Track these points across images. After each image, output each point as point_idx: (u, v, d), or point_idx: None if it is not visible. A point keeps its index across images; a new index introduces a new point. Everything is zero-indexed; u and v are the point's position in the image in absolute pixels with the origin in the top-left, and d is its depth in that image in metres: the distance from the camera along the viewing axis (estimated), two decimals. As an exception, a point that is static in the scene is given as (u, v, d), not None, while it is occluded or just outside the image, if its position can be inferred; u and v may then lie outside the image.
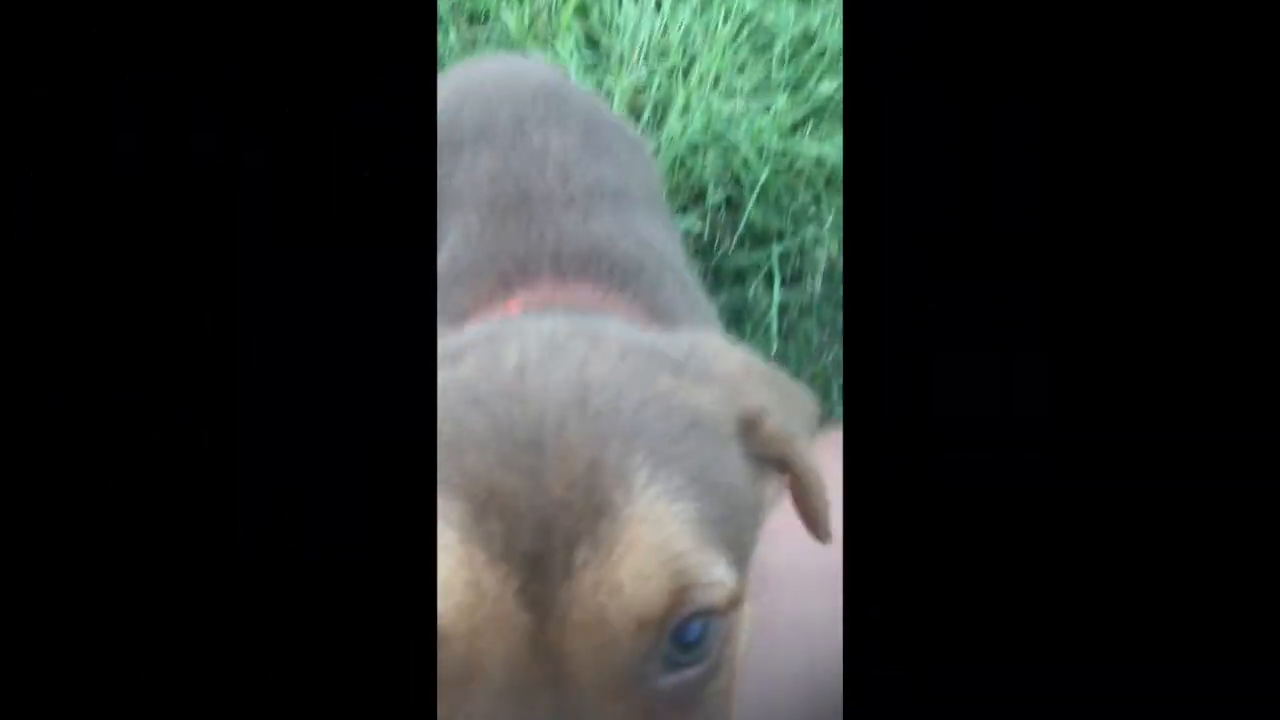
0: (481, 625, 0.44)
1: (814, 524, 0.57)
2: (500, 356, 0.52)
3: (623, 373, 0.50)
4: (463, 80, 1.12)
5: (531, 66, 1.20)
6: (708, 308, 0.90)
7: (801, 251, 1.51)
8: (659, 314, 0.79)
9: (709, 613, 0.45)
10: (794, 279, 1.50)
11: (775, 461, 0.56)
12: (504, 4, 1.75)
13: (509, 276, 0.79)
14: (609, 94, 1.61)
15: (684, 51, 1.64)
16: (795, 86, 1.67)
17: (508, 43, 1.70)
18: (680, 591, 0.43)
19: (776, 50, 1.68)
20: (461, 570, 0.46)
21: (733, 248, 1.51)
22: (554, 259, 0.79)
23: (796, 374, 1.44)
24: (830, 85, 1.63)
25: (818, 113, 1.63)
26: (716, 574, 0.44)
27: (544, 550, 0.43)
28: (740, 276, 1.50)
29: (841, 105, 1.53)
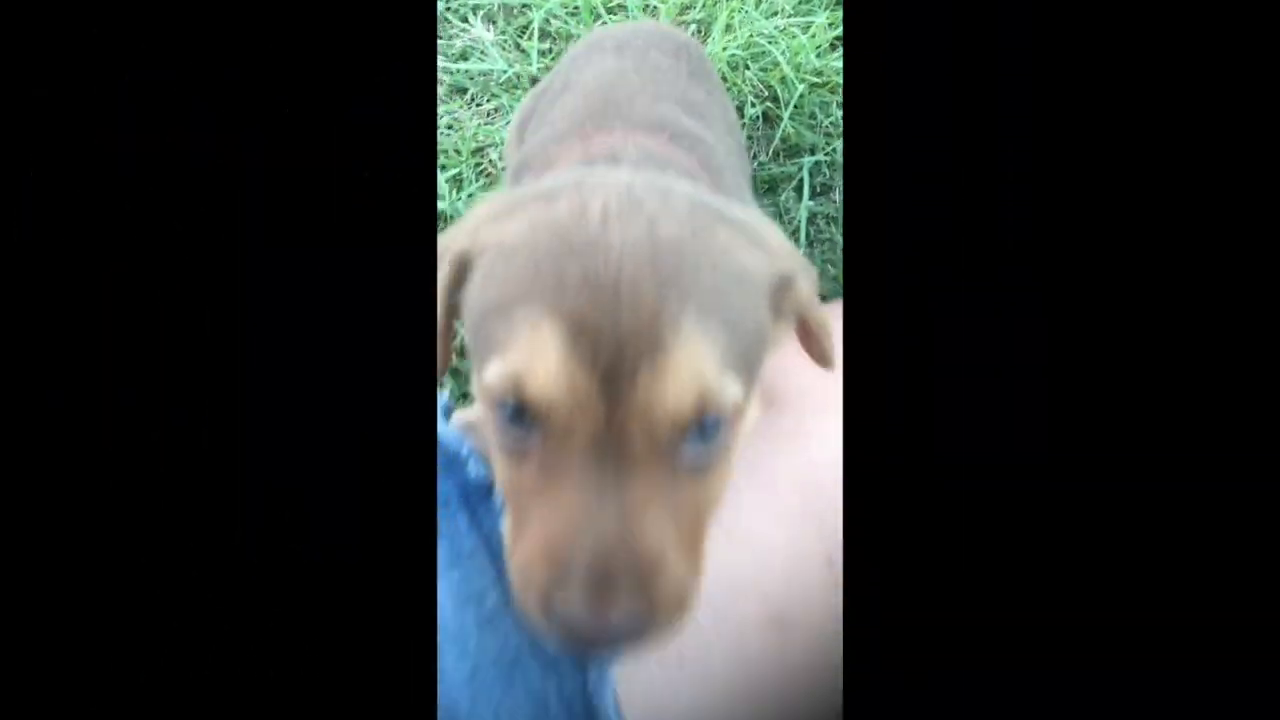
0: (575, 405, 0.59)
1: (822, 360, 0.74)
2: (588, 206, 0.63)
3: (688, 231, 0.63)
4: (615, 28, 1.30)
5: (671, 28, 1.36)
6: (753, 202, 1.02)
7: (831, 165, 1.63)
8: (714, 174, 0.92)
9: (720, 415, 0.61)
10: (823, 190, 1.63)
11: (792, 314, 0.71)
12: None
13: (587, 131, 0.93)
14: (655, 12, 1.74)
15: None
16: (832, 7, 1.79)
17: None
18: (703, 402, 0.59)
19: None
20: (564, 370, 0.59)
21: (768, 159, 1.63)
22: (626, 118, 0.94)
23: (821, 273, 1.58)
24: (864, 7, 1.78)
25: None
26: (730, 391, 0.60)
27: (618, 366, 0.58)
28: (773, 186, 1.63)
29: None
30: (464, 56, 1.91)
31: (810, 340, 0.74)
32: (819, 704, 0.74)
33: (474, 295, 0.68)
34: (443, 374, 0.81)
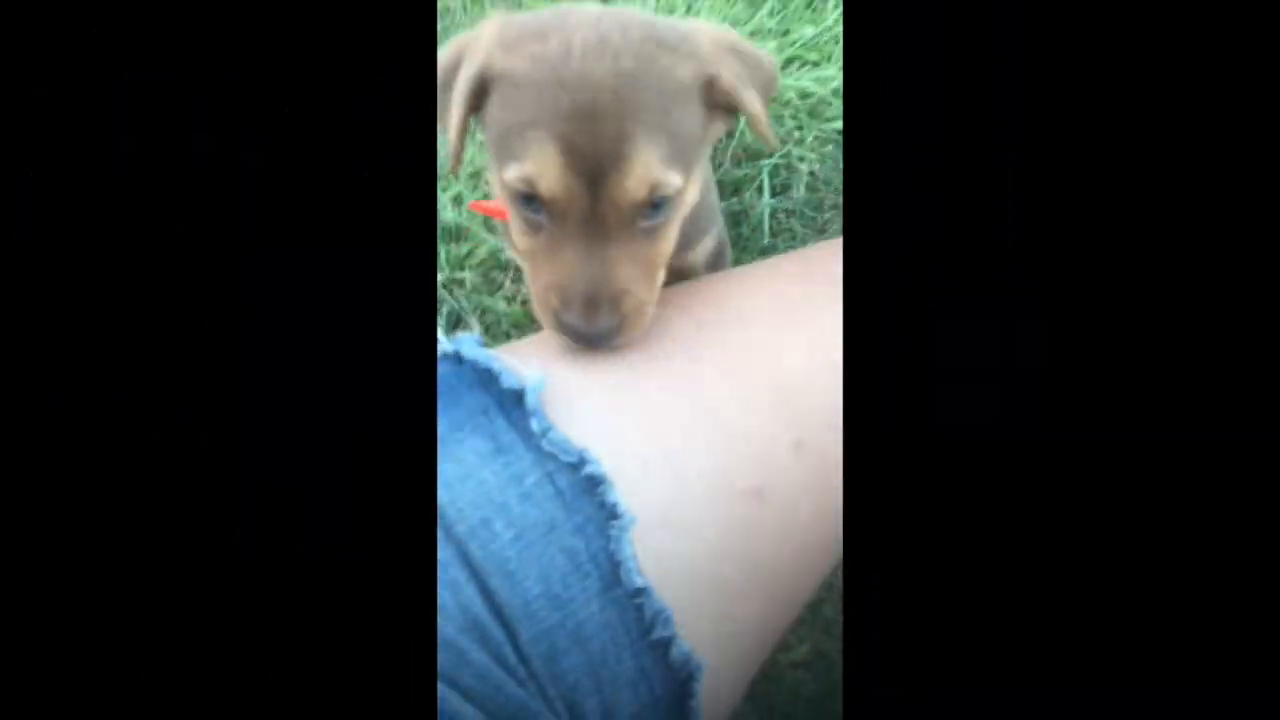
0: (569, 198, 0.85)
1: (765, 140, 0.98)
2: (570, 44, 0.85)
3: (639, 63, 0.85)
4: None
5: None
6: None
7: (788, 166, 1.83)
8: None
9: (666, 196, 0.86)
10: (782, 189, 1.82)
11: (723, 105, 0.91)
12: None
13: None
14: None
15: (688, 7, 1.93)
16: (783, 33, 1.96)
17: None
18: (652, 190, 0.85)
19: (766, 6, 1.97)
20: (561, 176, 0.84)
21: (730, 165, 1.83)
22: None
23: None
24: (810, 30, 1.96)
25: (801, 54, 1.96)
26: (672, 180, 0.85)
27: (595, 169, 0.83)
28: (737, 188, 1.83)
29: (820, 43, 1.90)
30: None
31: (751, 124, 0.96)
32: (799, 572, 0.92)
33: (494, 114, 0.89)
34: (455, 166, 0.97)
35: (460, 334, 0.95)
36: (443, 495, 0.81)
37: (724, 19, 1.89)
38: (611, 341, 0.91)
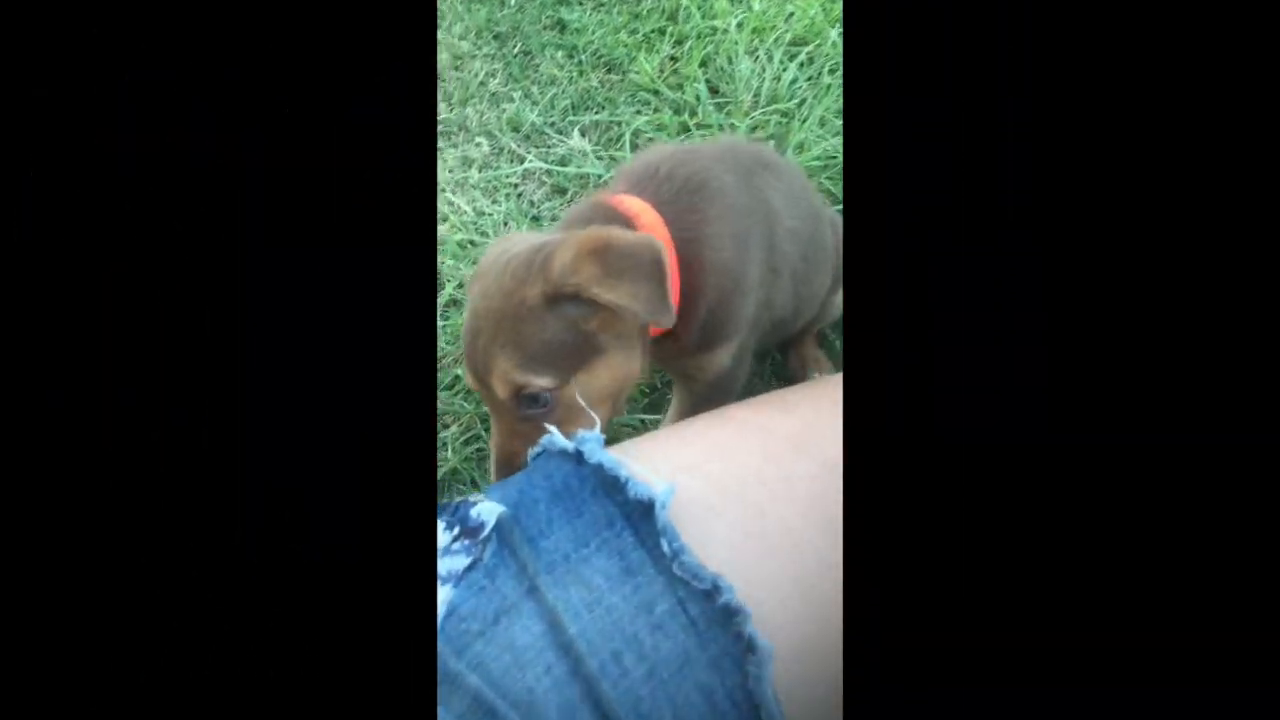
0: (479, 389, 1.11)
1: (647, 320, 1.07)
2: (477, 287, 1.12)
3: (501, 296, 1.06)
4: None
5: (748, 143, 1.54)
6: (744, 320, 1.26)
7: None
8: (694, 240, 1.18)
9: (537, 391, 1.06)
10: None
11: (581, 293, 1.02)
12: (638, 55, 2.09)
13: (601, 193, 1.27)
14: (735, 130, 1.95)
15: (791, 98, 1.98)
16: None
17: (642, 89, 2.06)
18: (514, 387, 1.06)
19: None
20: (469, 377, 1.11)
21: None
22: (633, 181, 1.23)
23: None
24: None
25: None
26: (535, 380, 1.05)
27: (481, 373, 1.08)
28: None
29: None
30: (564, 162, 1.95)
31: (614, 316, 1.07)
32: None
33: None
34: None
35: (582, 432, 0.95)
36: (572, 627, 0.80)
37: (829, 111, 1.96)
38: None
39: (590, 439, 0.93)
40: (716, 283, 1.18)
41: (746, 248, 1.21)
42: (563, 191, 1.91)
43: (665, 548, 0.84)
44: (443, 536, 0.88)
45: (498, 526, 0.87)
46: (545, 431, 0.98)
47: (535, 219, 1.87)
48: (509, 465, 1.09)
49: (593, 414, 1.09)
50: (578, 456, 0.93)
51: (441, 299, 1.73)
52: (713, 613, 0.81)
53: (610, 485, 0.89)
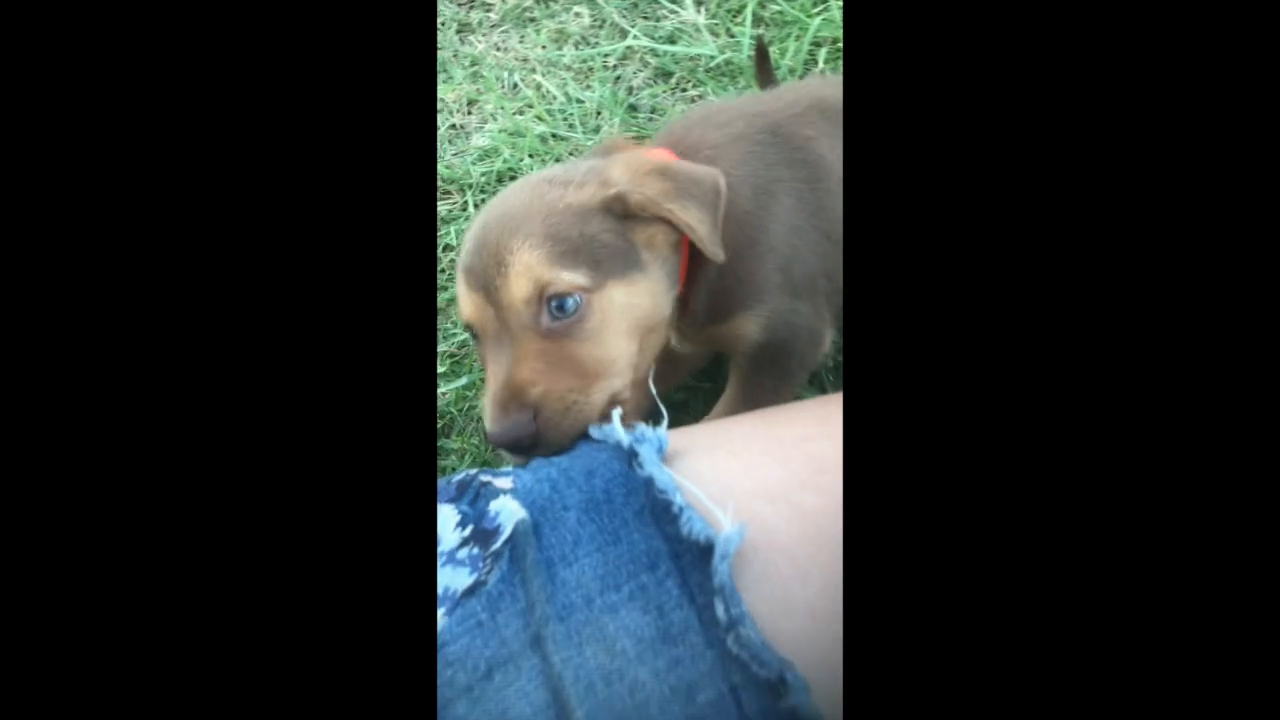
0: (476, 310, 0.97)
1: (706, 251, 0.96)
2: (490, 205, 1.02)
3: (524, 200, 0.98)
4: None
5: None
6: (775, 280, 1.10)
7: None
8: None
9: (563, 294, 0.93)
10: None
11: (643, 215, 0.97)
12: None
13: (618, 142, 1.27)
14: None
15: None
16: None
17: None
18: (540, 287, 0.93)
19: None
20: (465, 292, 0.98)
21: None
22: (665, 138, 1.16)
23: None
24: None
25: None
26: (564, 278, 0.93)
27: (489, 283, 0.95)
28: None
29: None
30: (672, 40, 1.74)
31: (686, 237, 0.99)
32: None
33: None
34: None
35: (644, 427, 0.83)
36: (581, 708, 0.66)
37: None
38: (538, 443, 0.91)
39: (650, 439, 0.82)
40: (737, 234, 1.04)
41: (771, 198, 1.08)
42: (667, 76, 1.72)
43: (721, 612, 0.69)
44: (449, 533, 0.77)
45: (513, 539, 0.75)
46: (569, 359, 0.93)
47: (632, 109, 1.67)
48: (516, 401, 0.91)
49: (622, 342, 0.98)
50: (630, 455, 0.81)
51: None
52: (777, 716, 0.66)
53: (661, 511, 0.76)
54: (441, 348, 1.45)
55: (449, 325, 1.48)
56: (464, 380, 1.41)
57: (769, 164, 1.09)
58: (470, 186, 1.61)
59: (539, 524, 0.76)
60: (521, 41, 1.82)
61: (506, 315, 0.94)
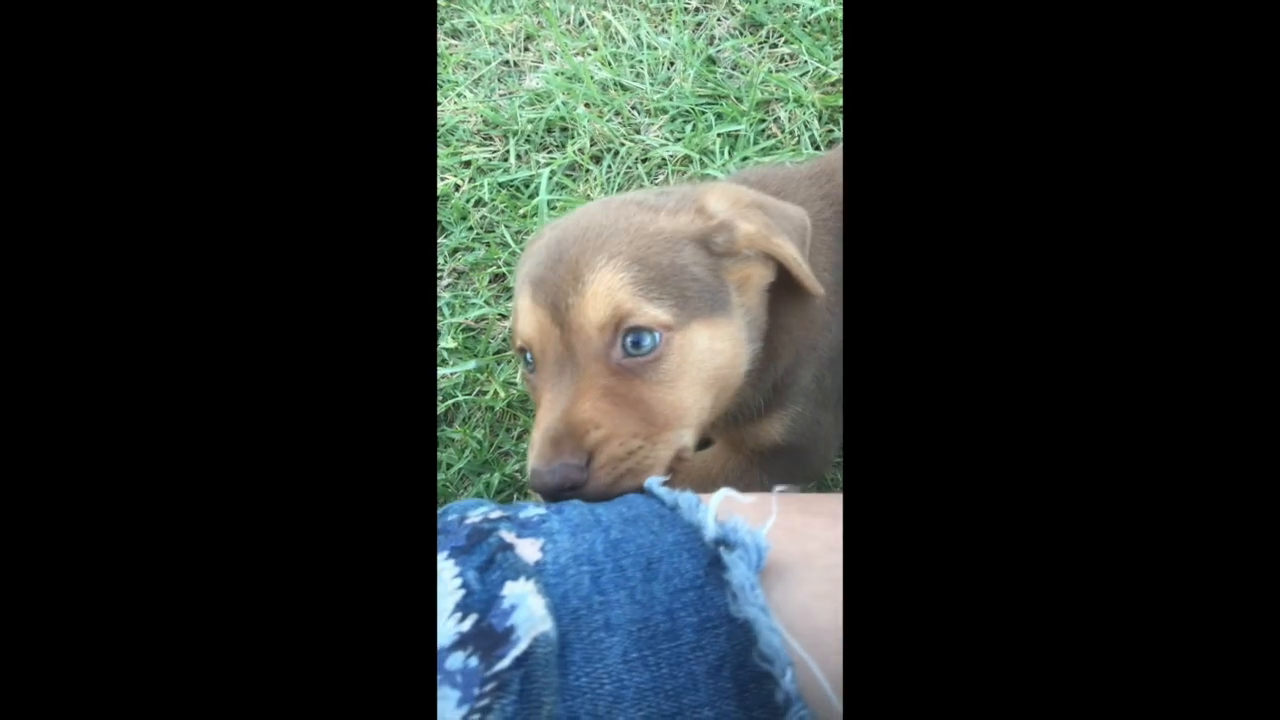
0: (539, 331, 0.85)
1: (807, 286, 0.90)
2: (570, 219, 0.92)
3: (609, 218, 0.88)
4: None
5: None
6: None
7: None
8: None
9: (643, 329, 0.83)
10: None
11: (741, 252, 0.89)
12: None
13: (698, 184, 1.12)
14: None
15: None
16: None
17: None
18: (617, 314, 0.82)
19: None
20: (529, 312, 0.85)
21: None
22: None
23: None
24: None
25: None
26: (647, 311, 0.82)
27: (560, 300, 0.84)
28: None
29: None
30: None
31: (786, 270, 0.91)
32: None
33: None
34: None
35: (738, 520, 0.66)
36: None
37: None
38: (584, 489, 0.79)
39: (747, 543, 0.63)
40: (800, 331, 0.98)
41: (833, 305, 1.00)
42: (756, 27, 1.50)
43: None
44: (444, 615, 0.60)
45: (528, 660, 0.58)
46: (637, 403, 0.83)
47: (711, 62, 1.46)
48: (572, 440, 0.79)
49: (698, 391, 0.87)
50: (713, 560, 0.63)
51: (555, 166, 1.38)
52: None
53: (752, 683, 0.60)
54: (457, 319, 1.27)
55: (469, 292, 1.30)
56: (473, 364, 1.23)
57: (836, 264, 1.02)
58: (515, 134, 1.41)
59: (568, 642, 0.60)
60: (596, -30, 1.60)
61: (574, 340, 0.84)
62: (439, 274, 1.32)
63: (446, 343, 1.26)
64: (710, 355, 0.87)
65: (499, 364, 1.24)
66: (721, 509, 0.66)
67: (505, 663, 0.57)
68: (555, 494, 0.79)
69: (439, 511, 0.71)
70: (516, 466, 1.18)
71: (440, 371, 1.24)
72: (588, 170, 1.38)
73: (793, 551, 0.65)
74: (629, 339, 0.83)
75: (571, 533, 0.66)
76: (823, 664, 0.60)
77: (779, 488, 0.74)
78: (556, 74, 1.47)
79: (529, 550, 0.64)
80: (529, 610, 0.59)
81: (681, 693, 0.59)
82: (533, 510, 0.70)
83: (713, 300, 0.87)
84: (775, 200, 0.95)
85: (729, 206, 0.89)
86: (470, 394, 1.23)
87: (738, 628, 0.59)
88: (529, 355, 0.88)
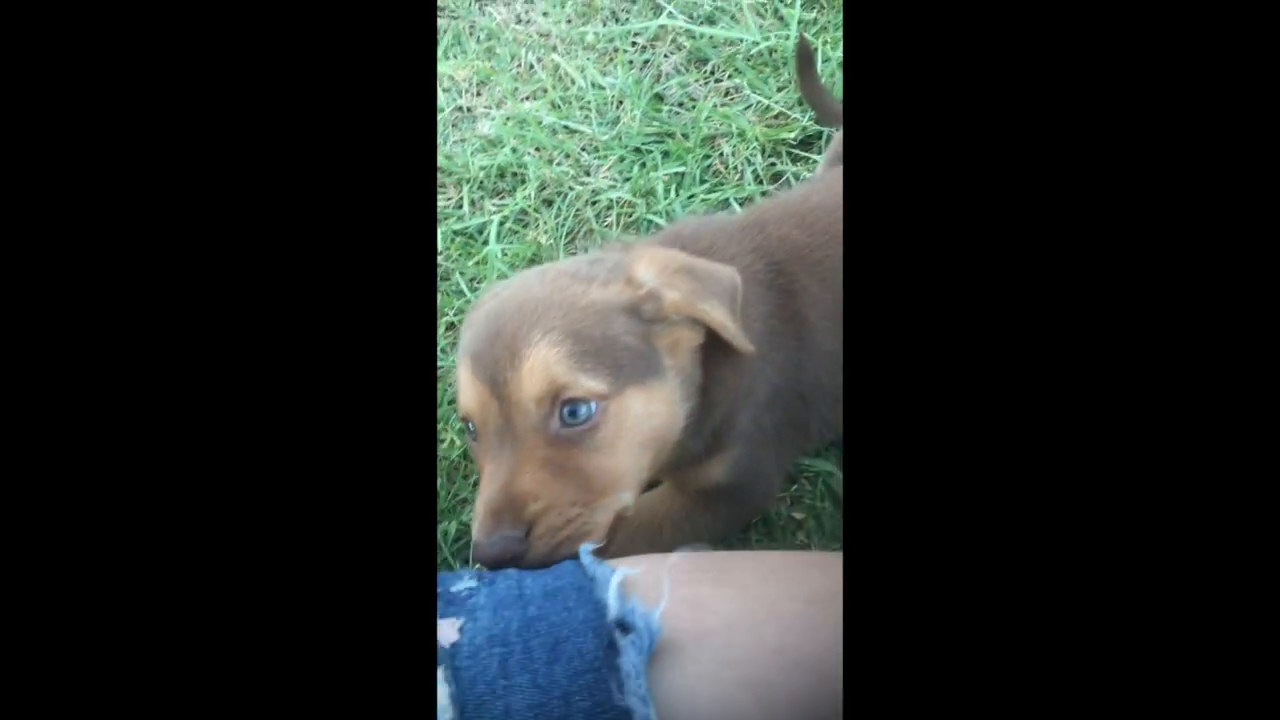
0: (479, 403, 0.88)
1: (736, 345, 0.93)
2: (505, 291, 0.95)
3: (544, 291, 0.91)
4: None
5: None
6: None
7: None
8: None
9: (579, 400, 0.86)
10: None
11: (670, 318, 0.92)
12: None
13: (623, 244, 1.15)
14: None
15: None
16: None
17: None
18: (553, 387, 0.85)
19: None
20: (469, 386, 0.88)
21: None
22: (669, 238, 1.11)
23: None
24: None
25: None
26: (583, 382, 0.86)
27: (498, 375, 0.86)
28: None
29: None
30: (712, 20, 1.55)
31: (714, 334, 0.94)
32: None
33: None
34: None
35: (637, 602, 0.71)
36: None
37: None
38: (524, 559, 0.83)
39: (641, 628, 0.68)
40: (733, 381, 1.00)
41: (769, 349, 1.04)
42: (702, 62, 1.54)
43: None
44: None
45: None
46: (575, 471, 0.86)
47: (658, 99, 1.50)
48: (511, 513, 0.83)
49: (634, 454, 0.91)
50: (608, 645, 0.68)
51: (506, 212, 1.43)
52: None
53: None
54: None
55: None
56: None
57: (767, 314, 1.05)
58: (468, 181, 1.46)
59: (467, 703, 0.65)
60: (545, 15, 1.64)
61: (512, 412, 0.86)
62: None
63: (406, 391, 1.30)
64: (646, 419, 0.91)
65: (453, 413, 1.29)
66: (627, 583, 0.71)
67: None
68: (496, 565, 0.82)
69: None
70: (471, 514, 1.23)
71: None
72: (538, 213, 1.42)
73: (690, 630, 0.70)
74: (565, 410, 0.86)
75: (493, 610, 0.71)
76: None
77: (679, 552, 0.79)
78: (506, 119, 1.51)
79: (448, 632, 0.69)
80: (440, 693, 0.65)
81: None
82: (465, 583, 0.75)
83: (645, 366, 0.90)
84: (704, 263, 0.97)
85: (657, 274, 0.92)
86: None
87: (620, 714, 0.64)
88: (470, 426, 0.91)
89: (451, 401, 1.30)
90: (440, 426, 1.28)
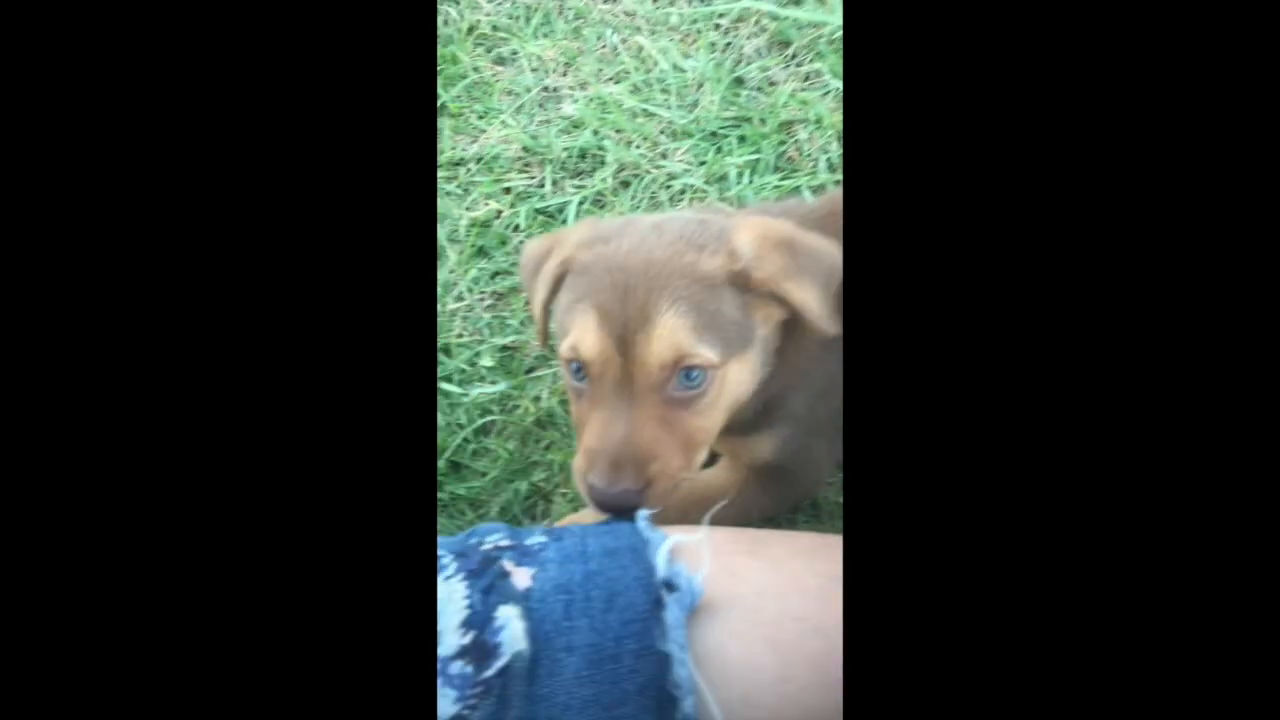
0: (601, 356, 0.95)
1: (817, 329, 0.97)
2: (623, 244, 0.99)
3: (664, 254, 0.96)
4: None
5: None
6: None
7: None
8: None
9: (696, 366, 0.94)
10: None
11: (762, 293, 0.98)
12: None
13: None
14: None
15: None
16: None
17: None
18: (678, 354, 0.93)
19: None
20: (596, 335, 0.94)
21: None
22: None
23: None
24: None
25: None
26: (700, 350, 0.94)
27: (625, 332, 0.94)
28: None
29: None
30: (796, 2, 1.58)
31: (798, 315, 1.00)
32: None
33: (562, 297, 1.02)
34: (541, 341, 1.12)
35: (682, 567, 0.80)
36: None
37: None
38: (634, 508, 0.91)
39: (684, 588, 0.78)
40: (794, 359, 1.07)
41: (829, 341, 1.06)
42: (784, 45, 1.57)
43: None
44: (452, 629, 0.76)
45: (507, 672, 0.74)
46: (680, 429, 0.96)
47: (738, 82, 1.54)
48: (635, 467, 0.92)
49: (722, 417, 1.02)
50: (655, 602, 0.78)
51: (588, 189, 1.49)
52: None
53: (667, 702, 0.76)
54: (496, 340, 1.41)
55: (507, 314, 1.43)
56: (508, 384, 1.36)
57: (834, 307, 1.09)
58: (551, 162, 1.53)
59: (538, 659, 0.75)
60: (633, -7, 1.69)
61: (635, 370, 0.95)
62: (481, 296, 1.45)
63: (486, 361, 1.39)
64: (738, 386, 1.01)
65: (530, 383, 1.37)
66: (675, 550, 0.82)
67: (490, 672, 0.73)
68: (609, 511, 0.93)
69: (466, 534, 0.85)
70: (542, 476, 1.32)
71: (479, 389, 1.37)
72: (615, 196, 1.49)
73: (725, 594, 0.80)
74: (683, 374, 0.95)
75: (560, 563, 0.81)
76: (723, 692, 0.76)
77: (722, 527, 0.88)
78: (589, 101, 1.57)
79: (522, 578, 0.79)
80: (513, 632, 0.75)
81: (615, 705, 0.76)
82: (536, 538, 0.85)
83: (744, 338, 0.99)
84: (809, 237, 1.02)
85: (755, 247, 0.98)
86: (503, 409, 1.36)
87: (662, 657, 0.75)
88: (580, 370, 0.98)
89: (529, 370, 1.38)
90: (517, 394, 1.36)
